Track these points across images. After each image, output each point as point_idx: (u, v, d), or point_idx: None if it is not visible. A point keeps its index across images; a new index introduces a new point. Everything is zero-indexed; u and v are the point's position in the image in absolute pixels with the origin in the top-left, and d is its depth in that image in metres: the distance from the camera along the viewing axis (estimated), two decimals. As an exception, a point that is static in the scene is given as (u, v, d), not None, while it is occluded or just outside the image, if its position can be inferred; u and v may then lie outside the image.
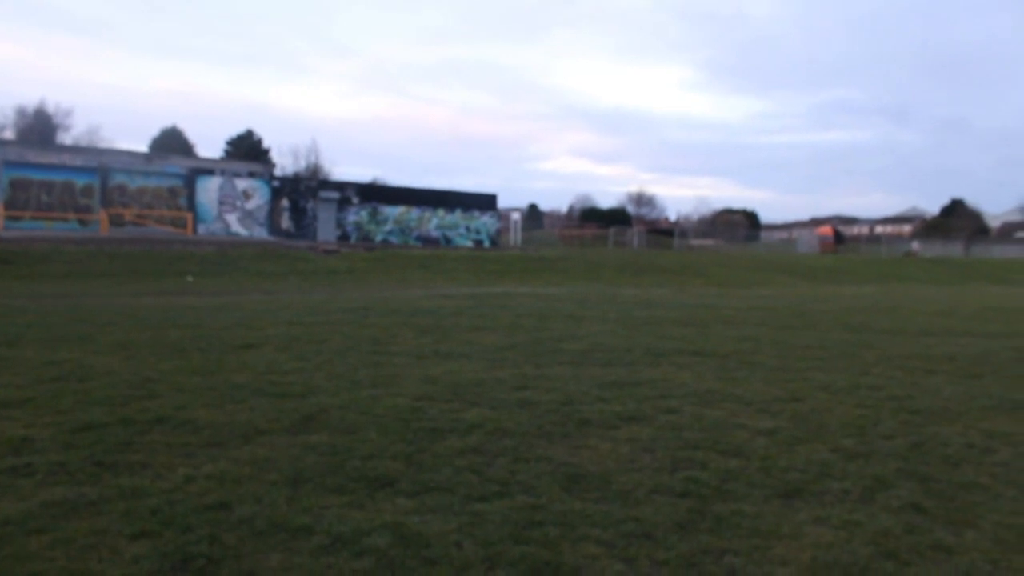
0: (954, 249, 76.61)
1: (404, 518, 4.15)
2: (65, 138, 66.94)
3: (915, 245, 75.29)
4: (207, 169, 42.98)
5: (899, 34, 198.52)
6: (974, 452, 5.79)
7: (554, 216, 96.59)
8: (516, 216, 59.65)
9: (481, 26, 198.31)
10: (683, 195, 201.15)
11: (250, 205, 42.93)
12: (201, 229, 40.90)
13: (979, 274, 55.84)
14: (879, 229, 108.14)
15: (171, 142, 68.64)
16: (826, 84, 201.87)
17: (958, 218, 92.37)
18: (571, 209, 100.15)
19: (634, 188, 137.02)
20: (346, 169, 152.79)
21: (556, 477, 4.94)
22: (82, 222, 38.16)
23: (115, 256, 30.35)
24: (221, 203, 41.91)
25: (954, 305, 23.86)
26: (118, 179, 39.22)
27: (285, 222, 44.09)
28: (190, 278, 27.94)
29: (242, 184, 42.82)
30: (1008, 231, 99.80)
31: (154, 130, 74.88)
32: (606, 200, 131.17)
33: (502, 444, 5.69)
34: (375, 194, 48.01)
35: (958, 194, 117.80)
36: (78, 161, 38.84)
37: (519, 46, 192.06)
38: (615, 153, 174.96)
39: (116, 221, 38.61)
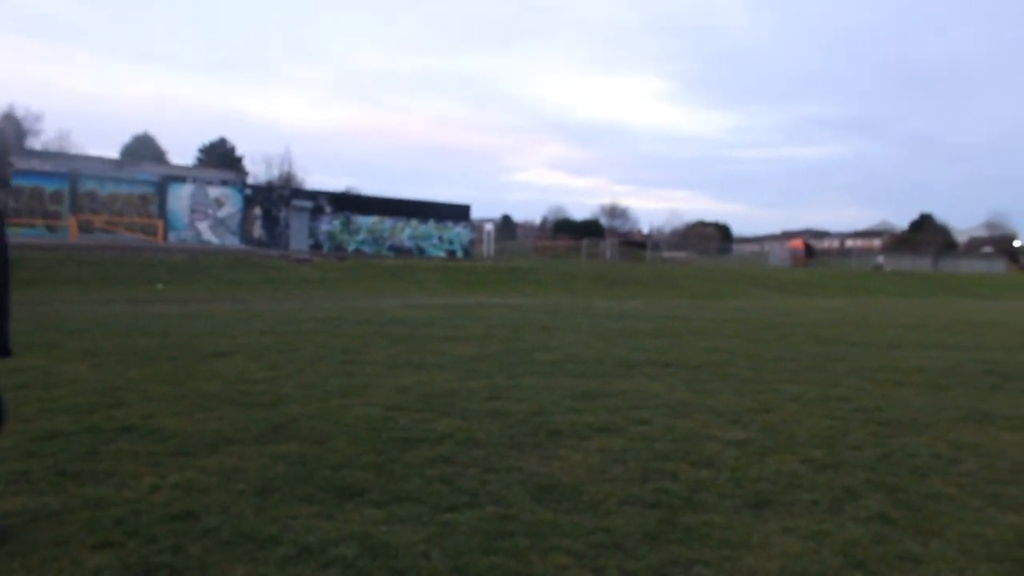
0: (923, 263, 77.49)
1: (372, 528, 4.11)
2: (35, 143, 66.12)
3: (881, 259, 76.11)
4: (179, 176, 42.76)
5: (870, 49, 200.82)
6: (941, 463, 5.83)
7: (527, 227, 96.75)
8: (489, 227, 59.74)
9: (456, 36, 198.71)
10: (656, 208, 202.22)
11: (222, 213, 42.70)
12: (172, 237, 40.60)
13: (947, 288, 56.55)
14: (849, 243, 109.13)
15: (143, 149, 68.14)
16: (799, 99, 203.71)
17: (927, 233, 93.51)
18: (544, 220, 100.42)
19: (607, 200, 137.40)
20: (319, 178, 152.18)
21: (527, 487, 4.92)
22: (50, 228, 37.79)
23: (84, 263, 30.02)
24: (193, 211, 41.66)
25: (923, 318, 24.12)
26: (88, 185, 38.90)
27: (257, 231, 43.86)
28: (160, 286, 27.68)
29: (214, 192, 42.59)
30: (975, 246, 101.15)
31: (126, 136, 74.37)
32: (580, 212, 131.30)
33: (473, 454, 5.67)
34: (348, 203, 47.90)
35: (927, 209, 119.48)
36: (47, 167, 38.53)
37: (494, 57, 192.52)
38: (589, 165, 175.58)
39: (85, 228, 38.22)
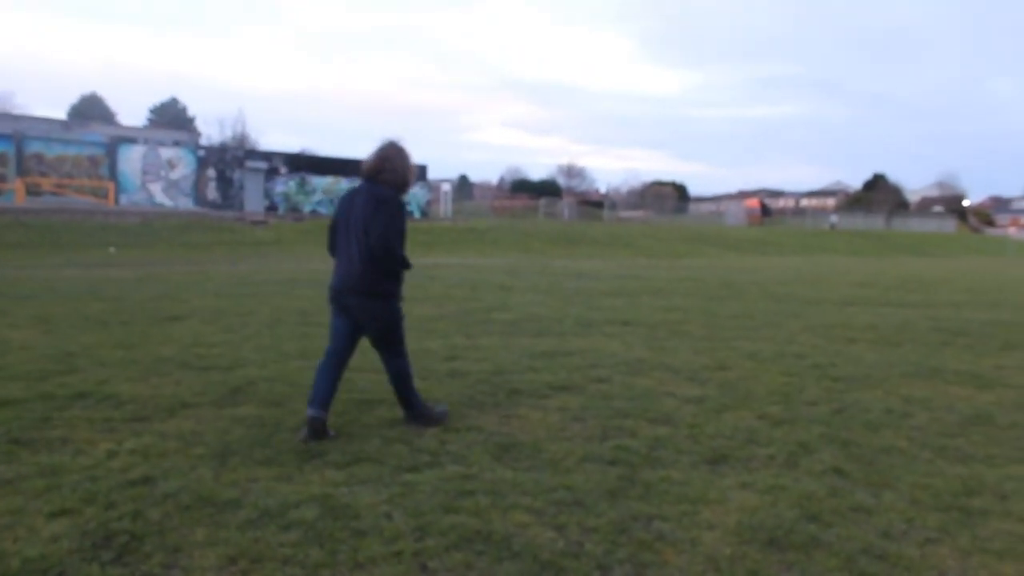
0: (875, 222, 78.53)
1: (333, 490, 4.10)
2: (-24, 105, 64.36)
3: (834, 218, 77.04)
4: (129, 138, 41.88)
5: (827, 11, 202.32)
6: (893, 417, 5.96)
7: (485, 187, 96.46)
8: (446, 187, 59.29)
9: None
10: (614, 167, 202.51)
11: (175, 175, 41.94)
12: (124, 199, 39.82)
13: (899, 247, 57.44)
14: (804, 202, 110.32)
15: (91, 109, 66.72)
16: (756, 59, 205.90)
17: (879, 192, 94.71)
18: (502, 180, 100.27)
19: (565, 160, 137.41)
20: (274, 139, 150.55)
21: (487, 447, 4.94)
22: (-3, 192, 36.86)
23: (32, 227, 29.40)
24: (144, 173, 40.84)
25: (875, 276, 24.50)
26: (34, 147, 37.92)
27: (211, 192, 43.19)
28: (112, 250, 27.23)
29: (166, 153, 41.79)
30: (926, 205, 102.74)
31: (73, 97, 72.70)
32: (537, 172, 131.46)
33: (433, 415, 5.67)
34: (304, 164, 47.27)
35: (880, 169, 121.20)
36: (-9, 128, 37.47)
37: (452, 15, 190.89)
38: (548, 125, 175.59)
39: (33, 191, 37.36)
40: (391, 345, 5.40)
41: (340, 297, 5.28)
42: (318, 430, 5.00)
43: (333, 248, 5.40)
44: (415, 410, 5.40)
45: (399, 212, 5.16)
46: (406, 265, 5.26)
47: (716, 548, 3.56)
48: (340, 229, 5.29)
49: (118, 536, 3.52)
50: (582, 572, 3.31)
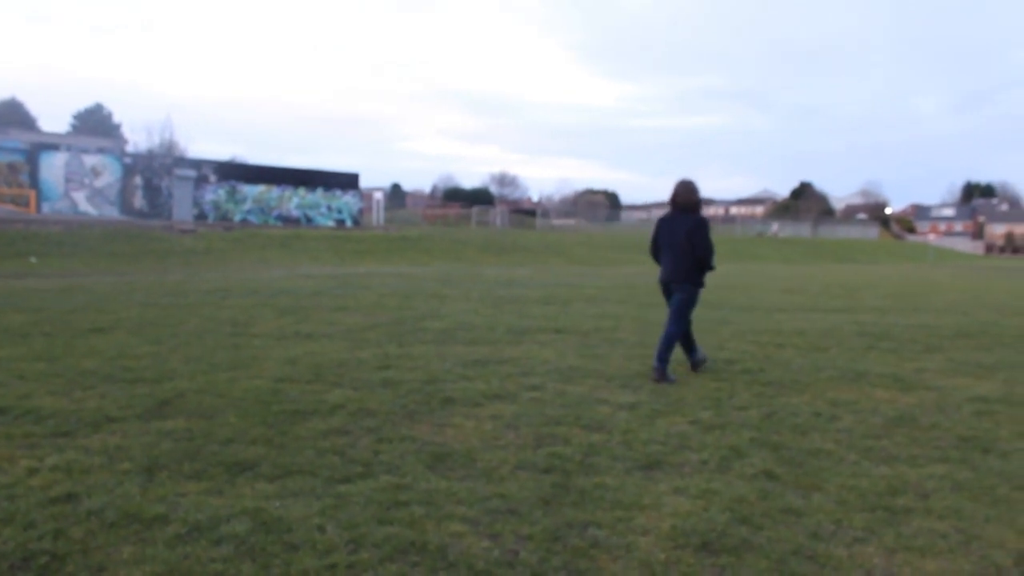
0: (803, 230, 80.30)
1: (265, 503, 4.03)
2: None
3: (775, 227, 78.60)
4: (51, 144, 40.74)
5: (757, 25, 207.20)
6: (821, 420, 6.08)
7: (417, 196, 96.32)
8: (379, 195, 58.87)
9: (349, 2, 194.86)
10: (547, 176, 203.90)
11: (99, 183, 40.89)
12: (45, 208, 38.70)
13: (825, 253, 58.75)
14: (734, 210, 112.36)
15: (10, 115, 64.83)
16: (687, 71, 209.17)
17: (806, 200, 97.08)
18: (434, 189, 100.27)
19: (498, 169, 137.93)
20: (204, 146, 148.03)
21: (420, 456, 4.91)
22: (-90, 200, 35.56)
23: (-51, 236, 28.43)
24: (68, 180, 39.73)
25: (803, 283, 25.01)
26: (-50, 154, 36.66)
27: (138, 201, 42.24)
28: (33, 259, 26.46)
29: (91, 160, 40.72)
30: (850, 213, 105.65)
31: (-10, 102, 70.51)
32: (470, 180, 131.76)
33: (365, 424, 5.62)
34: (234, 172, 46.50)
35: (807, 178, 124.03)
36: (-97, 134, 36.12)
37: (385, 24, 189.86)
38: (482, 134, 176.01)
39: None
40: (683, 316, 7.68)
41: (666, 286, 7.89)
42: (699, 364, 8.02)
43: (656, 255, 8.12)
44: (664, 365, 7.43)
45: (709, 231, 7.60)
46: (713, 268, 7.72)
47: (650, 553, 3.59)
48: (663, 242, 7.87)
49: (38, 557, 3.40)
50: (517, 581, 3.30)
